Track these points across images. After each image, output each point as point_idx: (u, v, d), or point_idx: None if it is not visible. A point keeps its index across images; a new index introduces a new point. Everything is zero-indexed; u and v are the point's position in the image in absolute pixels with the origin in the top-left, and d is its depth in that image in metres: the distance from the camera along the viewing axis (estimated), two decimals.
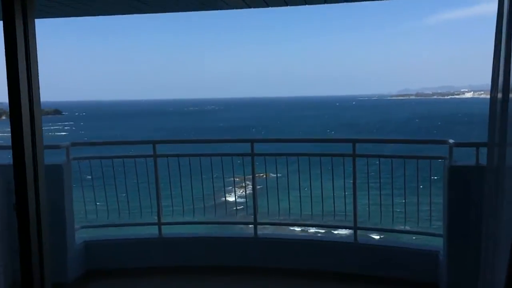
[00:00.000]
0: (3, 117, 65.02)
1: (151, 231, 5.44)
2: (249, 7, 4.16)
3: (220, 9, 4.38)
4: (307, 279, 4.85)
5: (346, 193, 5.10)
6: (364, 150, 5.07)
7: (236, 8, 4.30)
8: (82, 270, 5.04)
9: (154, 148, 5.19)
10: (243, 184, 5.38)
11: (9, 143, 2.74)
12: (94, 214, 5.34)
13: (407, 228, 5.18)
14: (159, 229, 5.29)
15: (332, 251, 5.06)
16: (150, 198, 5.31)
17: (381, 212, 4.98)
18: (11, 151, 2.72)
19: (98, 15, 4.67)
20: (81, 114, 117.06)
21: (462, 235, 4.09)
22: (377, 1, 4.40)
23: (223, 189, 5.65)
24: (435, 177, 4.75)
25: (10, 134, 2.69)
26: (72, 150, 4.94)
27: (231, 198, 5.90)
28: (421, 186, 4.72)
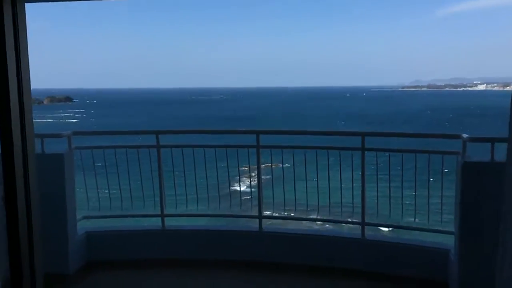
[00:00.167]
0: None
1: (154, 223, 5.34)
2: None
3: None
4: (314, 276, 4.72)
5: (354, 184, 4.94)
6: (374, 143, 4.89)
7: None
8: (83, 261, 4.96)
9: (157, 138, 5.07)
10: (249, 174, 5.25)
11: None
12: (97, 203, 5.25)
13: (417, 221, 4.99)
14: (162, 221, 5.21)
15: (339, 246, 4.92)
16: (154, 189, 5.21)
17: (390, 204, 4.81)
18: None
19: None
20: (92, 101, 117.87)
21: (475, 233, 3.91)
22: None
23: (227, 179, 5.50)
24: (446, 170, 4.55)
25: None
26: (75, 139, 4.84)
27: (236, 189, 5.75)
28: (431, 179, 4.53)
